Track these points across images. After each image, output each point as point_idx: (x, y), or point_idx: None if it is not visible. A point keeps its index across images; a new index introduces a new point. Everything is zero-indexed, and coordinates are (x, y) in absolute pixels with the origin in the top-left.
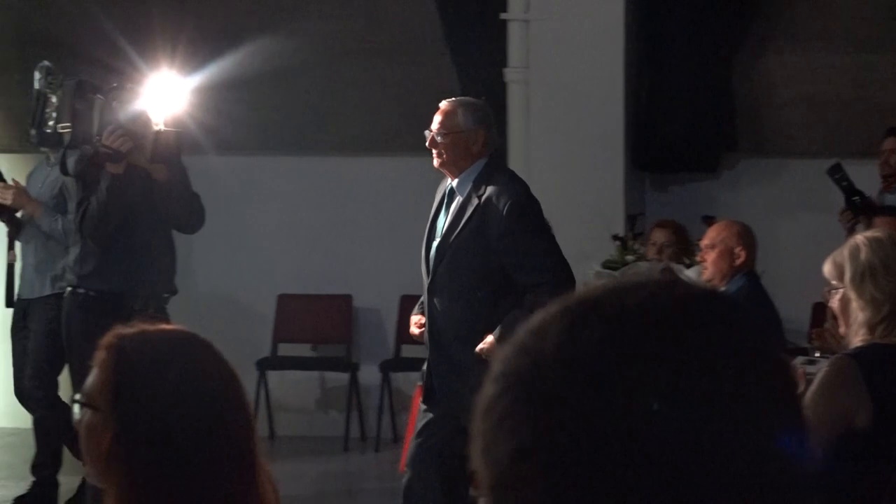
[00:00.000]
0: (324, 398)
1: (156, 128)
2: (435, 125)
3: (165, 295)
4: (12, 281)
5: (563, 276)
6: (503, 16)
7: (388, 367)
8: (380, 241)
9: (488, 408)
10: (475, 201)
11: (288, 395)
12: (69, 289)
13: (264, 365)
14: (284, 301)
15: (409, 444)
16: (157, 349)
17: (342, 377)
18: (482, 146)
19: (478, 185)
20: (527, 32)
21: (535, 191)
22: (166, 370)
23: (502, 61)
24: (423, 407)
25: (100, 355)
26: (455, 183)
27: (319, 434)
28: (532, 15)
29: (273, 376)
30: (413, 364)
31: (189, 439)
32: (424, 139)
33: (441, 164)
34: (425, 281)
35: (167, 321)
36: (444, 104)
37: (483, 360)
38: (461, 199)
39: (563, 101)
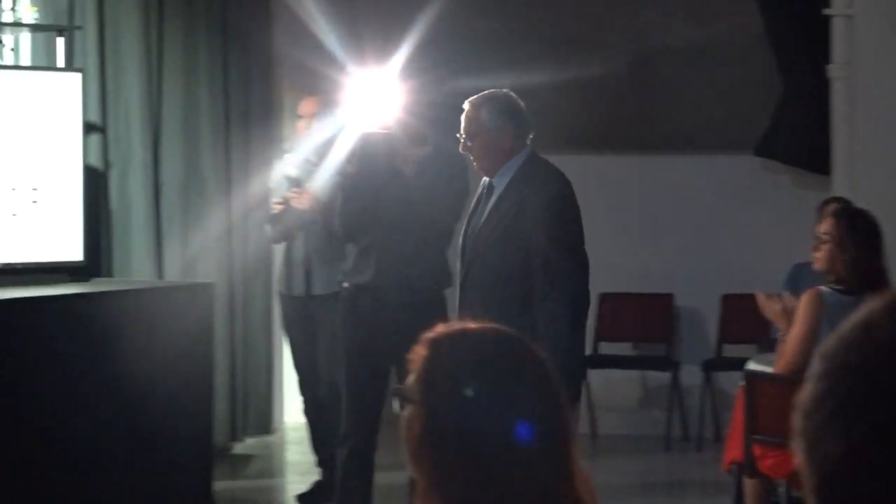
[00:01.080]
0: (645, 397)
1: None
2: (462, 130)
3: (434, 287)
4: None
5: (576, 290)
6: (826, 11)
7: (710, 367)
8: (701, 239)
9: (813, 407)
10: (513, 198)
11: (609, 394)
12: (344, 284)
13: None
14: (606, 300)
15: None
16: (472, 345)
17: (663, 376)
18: (513, 140)
19: (515, 181)
20: (851, 28)
21: (862, 194)
22: (478, 366)
23: (825, 58)
24: None
25: (418, 350)
26: (494, 181)
27: (641, 433)
28: (856, 10)
29: (595, 375)
30: (736, 364)
31: (499, 434)
32: (748, 136)
33: (479, 169)
34: (458, 277)
35: (441, 313)
36: (465, 105)
37: None
38: (498, 195)
39: (891, 100)
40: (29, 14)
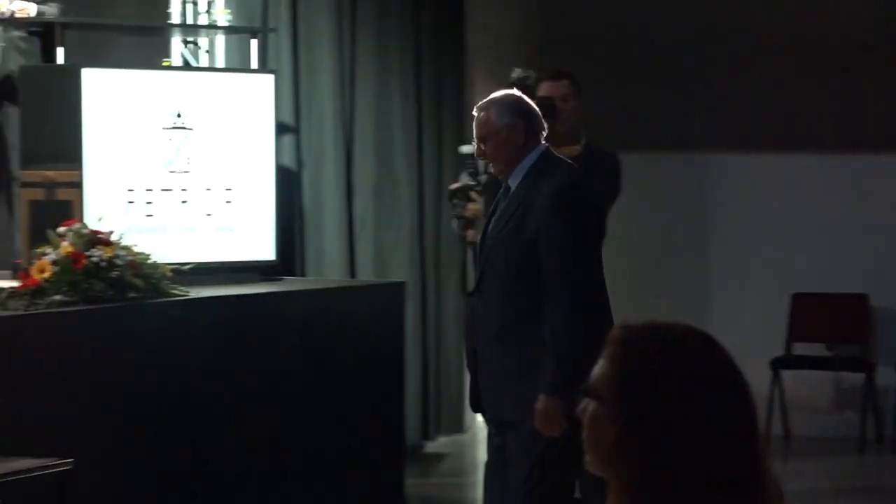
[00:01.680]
0: (839, 398)
1: None
2: (475, 136)
3: None
4: None
5: (576, 293)
6: None
7: None
8: None
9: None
10: (522, 196)
11: (803, 395)
12: None
13: (778, 364)
14: (799, 300)
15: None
16: (662, 342)
17: (857, 377)
18: (524, 138)
19: (527, 179)
20: None
21: None
22: (670, 363)
23: None
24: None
25: (608, 348)
26: (509, 181)
27: (834, 434)
28: None
29: (787, 375)
30: None
31: (690, 434)
32: None
33: (497, 172)
34: (475, 279)
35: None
36: (475, 111)
37: (524, 367)
38: (510, 194)
39: None
40: (223, 17)
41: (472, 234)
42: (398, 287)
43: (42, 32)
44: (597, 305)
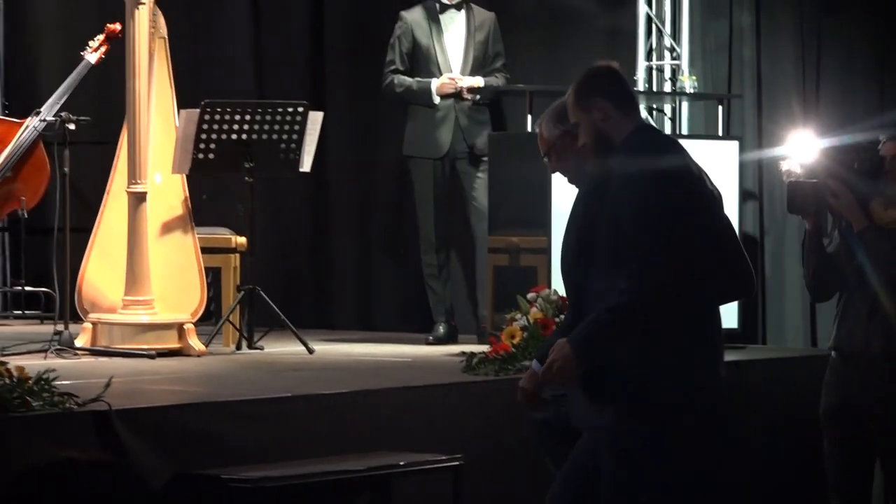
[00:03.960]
0: None
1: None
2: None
3: None
4: None
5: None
6: None
7: None
8: None
9: None
10: (590, 189)
11: None
12: None
13: None
14: None
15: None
16: None
17: None
18: (585, 138)
19: (594, 175)
20: None
21: None
22: None
23: None
24: None
25: None
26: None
27: None
28: None
29: None
30: None
31: None
32: None
33: (570, 181)
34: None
35: None
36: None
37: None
38: (581, 193)
39: None
40: (689, 83)
41: None
42: None
43: (490, 102)
44: None
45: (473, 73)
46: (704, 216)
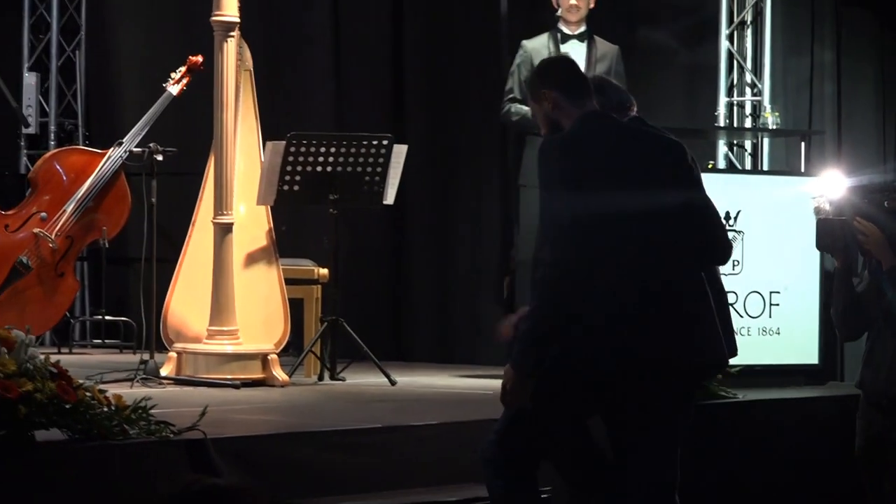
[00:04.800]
0: None
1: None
2: None
3: None
4: None
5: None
6: None
7: None
8: None
9: None
10: None
11: None
12: None
13: None
14: None
15: None
16: None
17: None
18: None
19: None
20: None
21: None
22: None
23: None
24: None
25: None
26: None
27: None
28: None
29: None
30: None
31: None
32: None
33: None
34: None
35: None
36: None
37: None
38: None
39: None
40: (771, 119)
41: None
42: None
43: None
44: None
45: None
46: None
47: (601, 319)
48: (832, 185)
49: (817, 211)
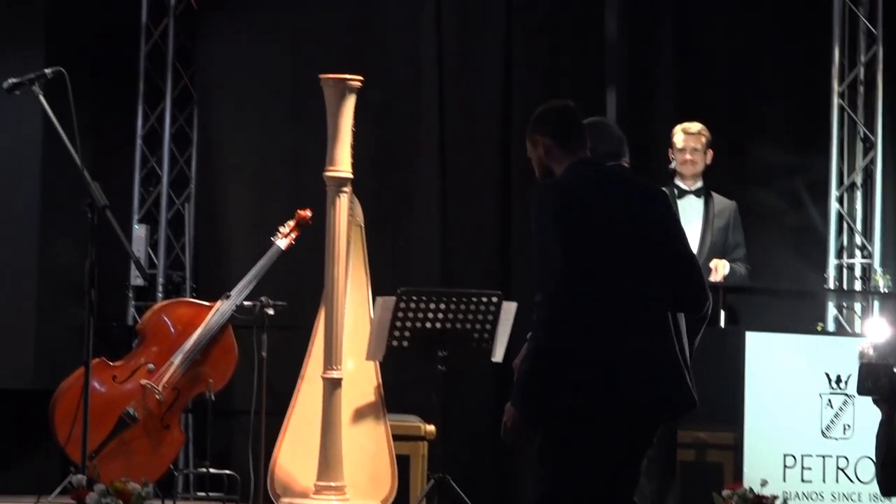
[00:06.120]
0: None
1: None
2: None
3: None
4: None
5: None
6: None
7: None
8: None
9: None
10: None
11: None
12: None
13: None
14: None
15: None
16: None
17: None
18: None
19: None
20: None
21: None
22: None
23: None
24: None
25: None
26: None
27: None
28: None
29: None
30: None
31: None
32: None
33: None
34: None
35: None
36: None
37: None
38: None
39: None
40: (881, 282)
41: None
42: None
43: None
44: None
45: (710, 258)
46: (588, 228)
47: (591, 360)
48: (877, 329)
49: (861, 355)
